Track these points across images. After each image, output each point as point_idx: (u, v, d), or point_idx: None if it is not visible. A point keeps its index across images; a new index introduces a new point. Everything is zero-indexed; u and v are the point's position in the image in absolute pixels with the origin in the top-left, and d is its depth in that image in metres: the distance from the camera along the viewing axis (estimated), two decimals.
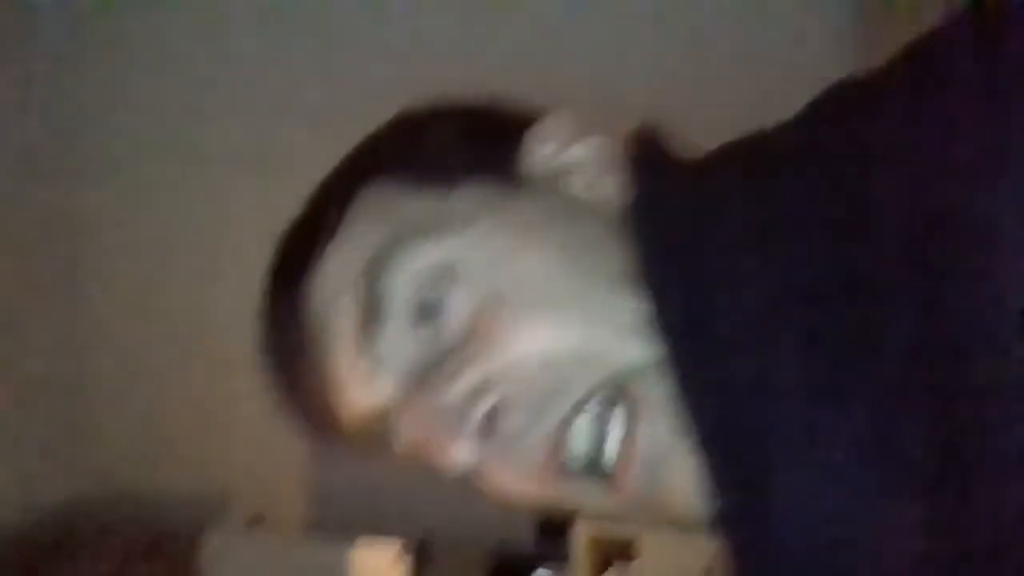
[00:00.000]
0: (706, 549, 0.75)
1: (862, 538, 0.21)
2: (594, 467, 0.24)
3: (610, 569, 0.75)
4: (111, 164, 1.25)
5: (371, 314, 0.25)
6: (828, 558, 0.22)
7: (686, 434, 0.23)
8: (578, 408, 0.23)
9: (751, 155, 0.25)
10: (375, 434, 0.26)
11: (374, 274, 0.25)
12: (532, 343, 0.24)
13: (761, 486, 0.22)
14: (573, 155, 0.27)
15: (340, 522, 0.77)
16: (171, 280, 1.25)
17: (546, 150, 0.27)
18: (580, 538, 0.75)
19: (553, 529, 1.09)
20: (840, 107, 0.24)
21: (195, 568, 0.78)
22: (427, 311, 0.25)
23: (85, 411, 1.24)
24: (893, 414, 0.21)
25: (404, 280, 0.25)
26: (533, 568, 1.02)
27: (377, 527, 0.78)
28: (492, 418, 0.23)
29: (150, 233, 1.25)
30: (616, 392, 0.24)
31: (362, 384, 0.26)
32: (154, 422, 1.24)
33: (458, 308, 0.24)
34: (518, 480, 0.25)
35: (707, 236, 0.24)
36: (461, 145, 0.27)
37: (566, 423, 0.23)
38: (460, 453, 0.24)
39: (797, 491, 0.22)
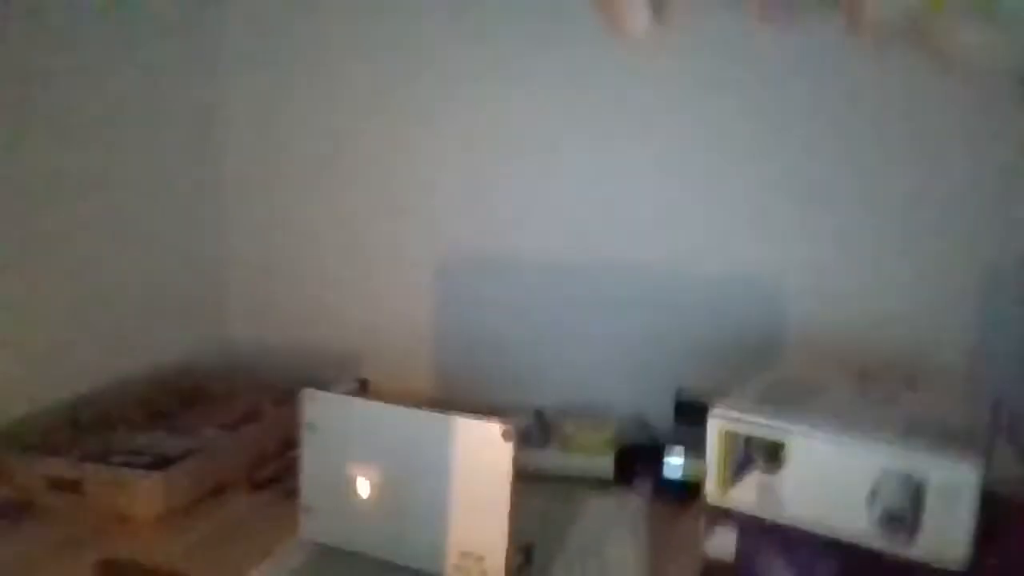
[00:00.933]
0: (862, 458, 0.62)
1: None
2: None
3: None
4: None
5: None
6: None
7: None
8: None
9: None
10: None
11: None
12: None
13: None
14: None
15: (455, 404, 0.70)
16: (307, 149, 1.20)
17: None
18: (715, 432, 0.63)
19: (691, 412, 0.99)
20: None
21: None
22: None
23: (220, 275, 1.25)
24: None
25: None
26: (664, 450, 0.93)
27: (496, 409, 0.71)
28: None
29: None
30: None
31: None
32: (291, 288, 1.24)
33: None
34: None
35: None
36: None
37: None
38: None
39: None
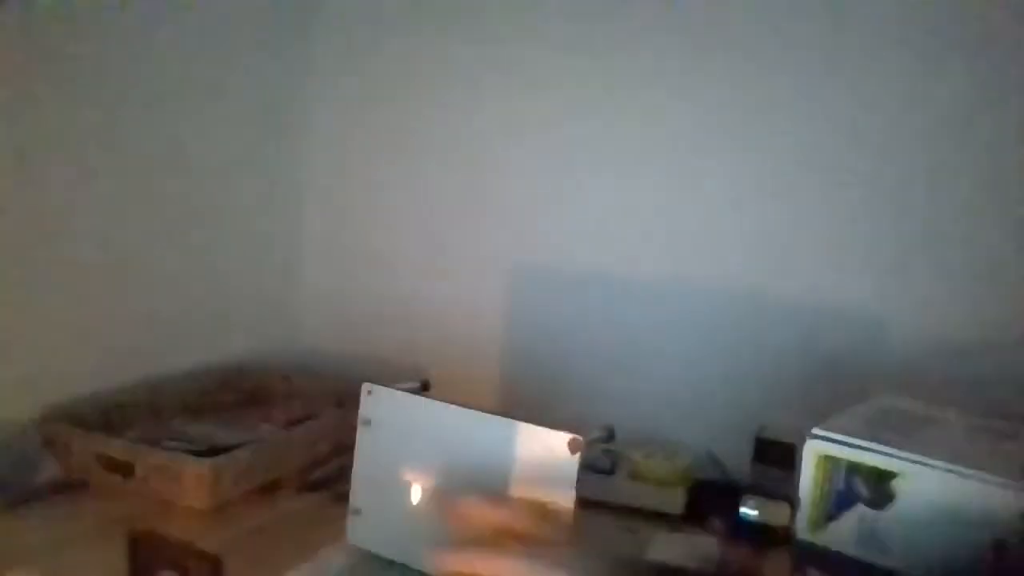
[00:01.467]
0: (988, 497, 0.54)
1: None
2: None
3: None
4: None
5: None
6: None
7: None
8: None
9: None
10: None
11: None
12: None
13: None
14: None
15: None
16: (390, 148, 1.18)
17: None
18: (811, 457, 0.56)
19: (772, 452, 0.92)
20: None
21: None
22: None
23: (294, 272, 1.24)
24: None
25: None
26: (740, 489, 0.86)
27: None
28: None
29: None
30: None
31: None
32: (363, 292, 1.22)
33: None
34: None
35: None
36: None
37: None
38: None
39: None
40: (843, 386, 0.94)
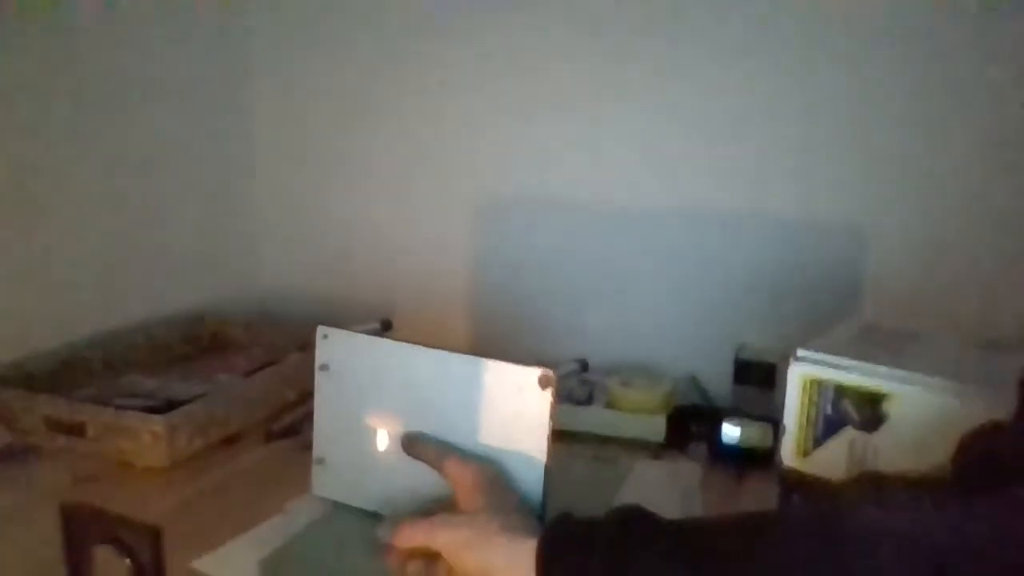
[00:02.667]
0: (983, 412, 0.51)
1: None
2: None
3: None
4: None
5: None
6: None
7: None
8: None
9: None
10: None
11: None
12: None
13: None
14: None
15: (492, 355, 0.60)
16: (339, 90, 1.11)
17: None
18: (797, 381, 0.53)
19: (753, 373, 0.89)
20: None
21: None
22: None
23: (249, 218, 1.17)
24: None
25: None
26: (722, 414, 0.83)
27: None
28: None
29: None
30: None
31: None
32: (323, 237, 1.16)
33: None
34: None
35: None
36: None
37: None
38: None
39: None
40: (822, 304, 0.91)
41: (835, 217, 0.91)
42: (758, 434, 0.81)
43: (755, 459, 0.80)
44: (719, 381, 0.93)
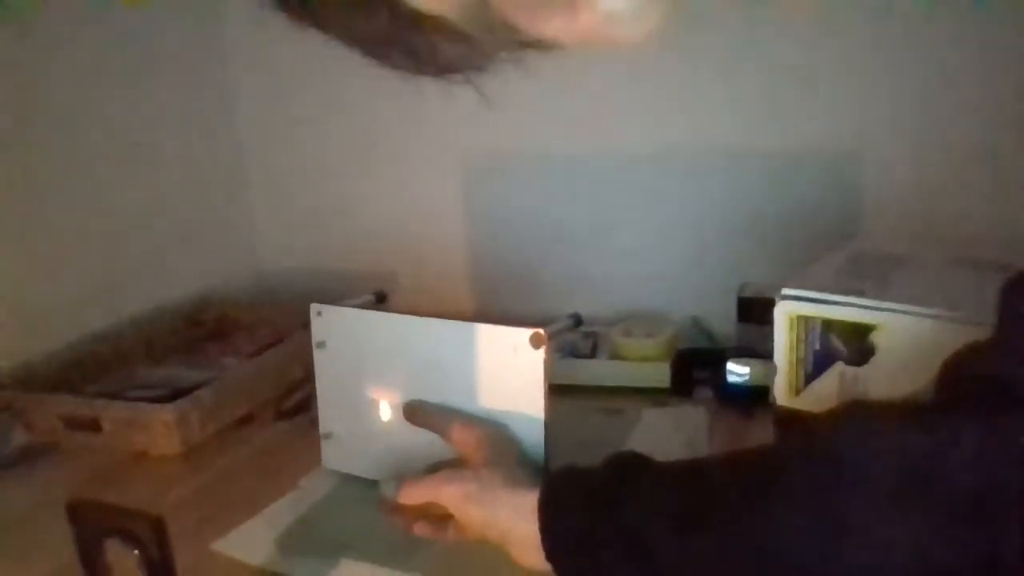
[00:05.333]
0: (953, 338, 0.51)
1: None
2: None
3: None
4: None
5: None
6: None
7: None
8: None
9: None
10: None
11: None
12: None
13: None
14: None
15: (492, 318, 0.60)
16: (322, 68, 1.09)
17: None
18: (783, 319, 0.53)
19: (756, 310, 0.88)
20: None
21: None
22: None
23: (245, 201, 1.17)
24: None
25: None
26: (727, 355, 0.83)
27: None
28: None
29: None
30: None
31: None
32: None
33: None
34: None
35: None
36: None
37: None
38: None
39: None
40: (824, 234, 0.90)
41: (831, 143, 0.90)
42: (764, 371, 0.80)
43: (763, 397, 0.80)
44: (725, 323, 0.93)
